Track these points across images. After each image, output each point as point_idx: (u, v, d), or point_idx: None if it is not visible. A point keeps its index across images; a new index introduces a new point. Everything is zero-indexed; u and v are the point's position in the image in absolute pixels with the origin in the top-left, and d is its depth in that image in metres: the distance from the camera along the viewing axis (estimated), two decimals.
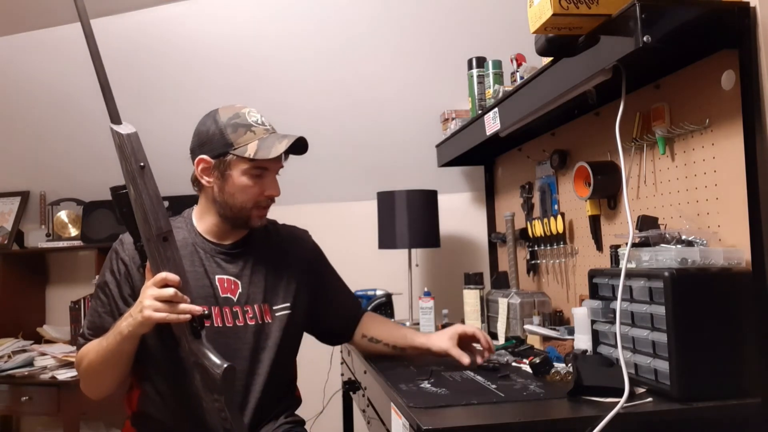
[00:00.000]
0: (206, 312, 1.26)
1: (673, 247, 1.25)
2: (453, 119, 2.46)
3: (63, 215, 3.20)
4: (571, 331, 1.68)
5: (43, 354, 2.87)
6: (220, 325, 1.40)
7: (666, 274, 1.14)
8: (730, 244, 1.26)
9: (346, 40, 2.57)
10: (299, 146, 1.44)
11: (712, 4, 1.17)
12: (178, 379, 1.35)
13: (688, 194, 1.40)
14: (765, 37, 1.13)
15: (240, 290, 1.45)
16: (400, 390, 1.31)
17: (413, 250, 2.60)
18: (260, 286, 1.47)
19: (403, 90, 2.64)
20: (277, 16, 2.58)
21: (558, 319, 1.93)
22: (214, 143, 1.41)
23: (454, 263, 2.80)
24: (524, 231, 2.21)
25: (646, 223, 1.41)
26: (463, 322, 2.10)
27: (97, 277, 2.87)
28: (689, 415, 1.11)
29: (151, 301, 1.21)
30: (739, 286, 1.16)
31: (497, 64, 2.15)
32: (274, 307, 1.47)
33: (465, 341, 1.56)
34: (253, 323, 1.44)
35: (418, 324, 2.18)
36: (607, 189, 1.69)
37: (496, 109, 1.91)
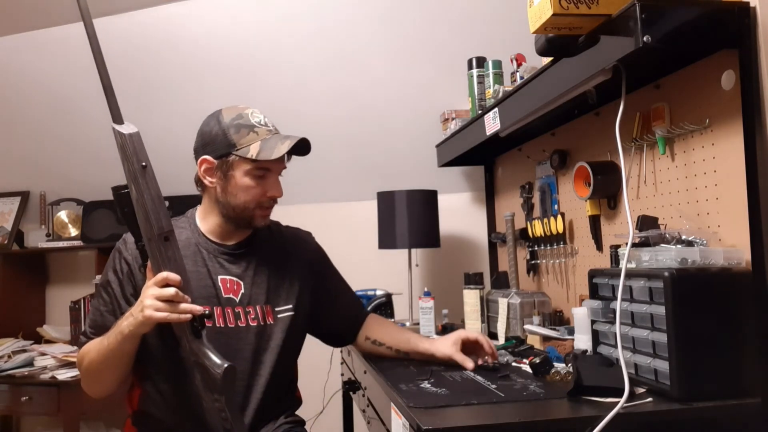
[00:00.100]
0: (207, 312, 1.26)
1: (673, 247, 1.25)
2: (453, 119, 2.46)
3: (63, 215, 3.20)
4: (571, 331, 1.68)
5: (43, 354, 2.87)
6: (222, 326, 1.40)
7: (666, 274, 1.14)
8: (730, 244, 1.26)
9: (347, 41, 2.57)
10: (302, 147, 1.44)
11: (712, 4, 1.17)
12: (178, 379, 1.35)
13: (688, 194, 1.40)
14: (765, 37, 1.13)
15: (242, 291, 1.45)
16: (400, 390, 1.31)
17: (413, 250, 2.60)
18: (263, 287, 1.47)
19: (403, 90, 2.64)
20: (278, 16, 2.57)
21: (558, 319, 1.93)
22: (217, 144, 1.41)
23: (454, 263, 2.80)
24: (524, 231, 2.21)
25: (646, 223, 1.41)
26: (463, 322, 2.10)
27: (97, 276, 2.90)
28: (689, 415, 1.11)
29: (151, 301, 1.21)
30: (739, 286, 1.16)
31: (497, 64, 2.15)
32: (277, 309, 1.47)
33: (468, 347, 1.56)
34: (255, 324, 1.44)
35: (418, 324, 2.18)
36: (607, 189, 1.69)
37: (496, 109, 1.91)
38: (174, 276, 1.23)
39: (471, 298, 2.05)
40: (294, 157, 1.49)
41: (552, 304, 1.98)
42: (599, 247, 1.80)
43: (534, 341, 1.80)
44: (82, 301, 3.11)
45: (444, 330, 2.19)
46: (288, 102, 2.70)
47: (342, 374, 2.45)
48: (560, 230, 1.97)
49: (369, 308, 2.35)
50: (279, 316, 1.47)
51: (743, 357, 1.14)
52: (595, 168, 1.66)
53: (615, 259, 1.47)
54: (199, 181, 1.47)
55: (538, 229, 2.09)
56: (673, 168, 1.46)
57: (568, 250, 1.98)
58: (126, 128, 1.22)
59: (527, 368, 1.47)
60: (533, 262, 2.22)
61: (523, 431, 1.08)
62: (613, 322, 1.29)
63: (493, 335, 2.01)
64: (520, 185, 2.32)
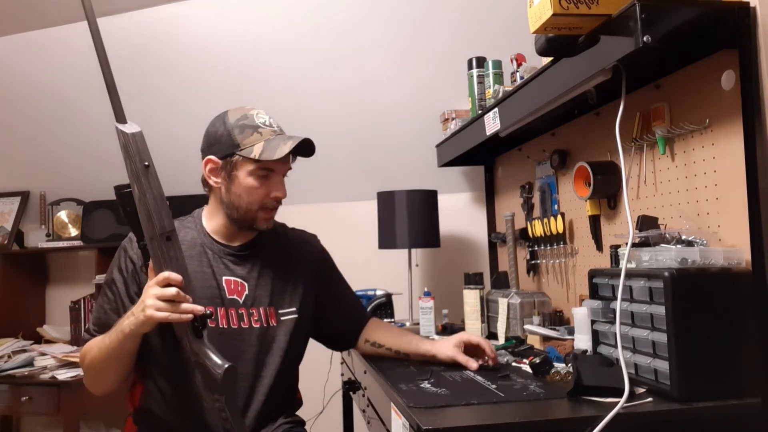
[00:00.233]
0: (209, 312, 1.26)
1: (673, 247, 1.25)
2: (453, 119, 2.46)
3: (63, 215, 3.20)
4: (571, 331, 1.68)
5: (43, 354, 2.87)
6: (225, 327, 1.41)
7: (666, 274, 1.14)
8: (730, 244, 1.26)
9: (347, 41, 2.57)
10: (306, 148, 1.44)
11: (712, 4, 1.17)
12: (179, 378, 1.35)
13: (688, 194, 1.40)
14: (765, 37, 1.13)
15: (246, 292, 1.45)
16: (400, 390, 1.31)
17: (413, 250, 2.60)
18: (267, 289, 1.47)
19: (403, 90, 2.64)
20: (279, 17, 2.58)
21: (558, 319, 1.93)
22: (221, 144, 1.42)
23: (454, 263, 2.80)
24: (524, 231, 2.22)
25: (646, 223, 1.41)
26: (462, 322, 2.10)
27: (97, 277, 2.90)
28: (689, 415, 1.11)
29: (153, 301, 1.21)
30: (739, 286, 1.16)
31: (497, 64, 2.15)
32: (280, 311, 1.47)
33: (469, 350, 1.56)
34: (258, 326, 1.44)
35: (418, 324, 2.19)
36: (607, 189, 1.69)
37: (496, 109, 1.91)
38: (175, 276, 1.23)
39: (471, 298, 2.05)
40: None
41: (552, 304, 1.99)
42: (599, 247, 1.80)
43: (534, 341, 1.80)
44: (82, 301, 3.12)
45: (444, 330, 2.19)
46: (288, 102, 2.69)
47: (342, 374, 2.45)
48: (560, 230, 1.97)
49: (369, 308, 2.35)
50: (282, 318, 1.47)
51: (743, 357, 1.14)
52: (595, 168, 1.66)
53: (615, 259, 1.47)
54: (205, 182, 1.48)
55: (538, 229, 2.09)
56: (673, 168, 1.46)
57: (568, 250, 1.98)
58: (129, 127, 1.22)
59: (527, 368, 1.47)
60: (533, 262, 2.22)
61: (523, 431, 1.08)
62: (613, 322, 1.29)
63: (493, 335, 2.01)
64: (520, 185, 2.32)
